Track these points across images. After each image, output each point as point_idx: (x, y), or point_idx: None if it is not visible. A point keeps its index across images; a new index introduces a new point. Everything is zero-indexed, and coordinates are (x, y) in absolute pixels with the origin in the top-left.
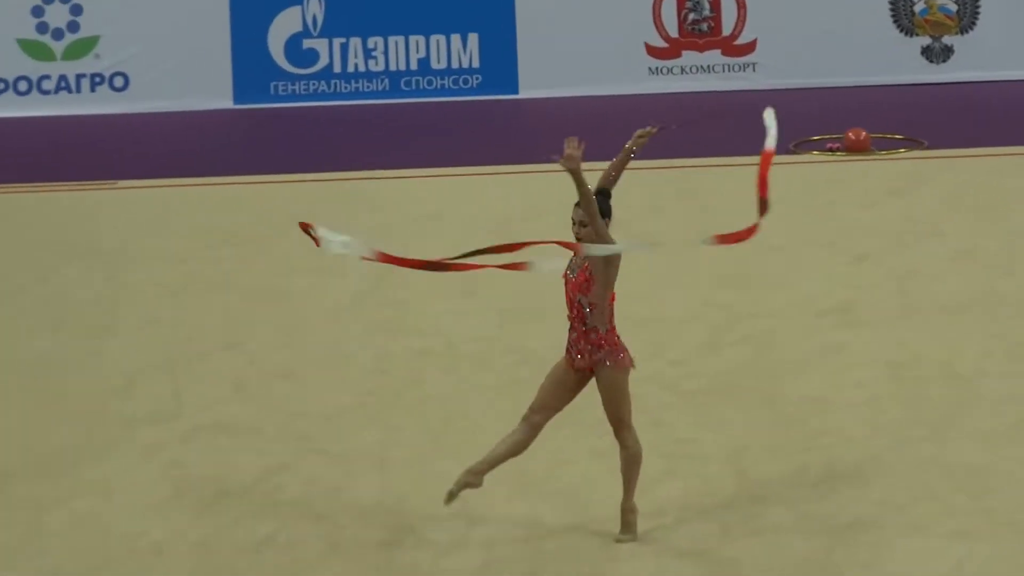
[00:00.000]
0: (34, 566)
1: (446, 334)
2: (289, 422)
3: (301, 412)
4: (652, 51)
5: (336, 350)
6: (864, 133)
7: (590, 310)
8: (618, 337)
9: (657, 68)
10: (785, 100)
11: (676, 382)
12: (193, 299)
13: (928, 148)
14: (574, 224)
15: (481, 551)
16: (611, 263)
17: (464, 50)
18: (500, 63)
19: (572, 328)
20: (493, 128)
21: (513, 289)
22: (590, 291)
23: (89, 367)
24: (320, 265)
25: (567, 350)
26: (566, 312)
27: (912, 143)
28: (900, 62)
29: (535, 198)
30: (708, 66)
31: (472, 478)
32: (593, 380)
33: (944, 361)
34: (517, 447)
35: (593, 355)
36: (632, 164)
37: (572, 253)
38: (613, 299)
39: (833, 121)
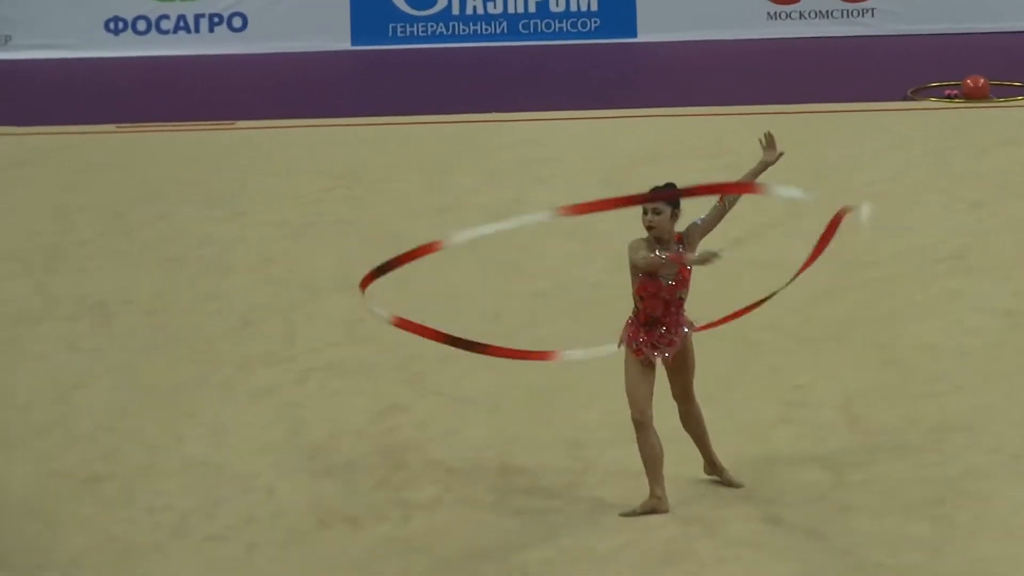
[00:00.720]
0: (148, 503)
1: (561, 277)
2: (403, 364)
3: (415, 354)
4: None
5: (451, 292)
6: (983, 80)
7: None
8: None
9: (776, 13)
10: (903, 46)
11: (794, 329)
12: (310, 240)
13: None
14: (646, 213)
15: (591, 496)
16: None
17: None
18: (619, 6)
19: (661, 323)
20: (611, 72)
21: (621, 234)
22: (687, 285)
23: (205, 306)
24: (438, 205)
25: (644, 348)
26: (650, 314)
27: None
28: (1020, 8)
29: (650, 143)
30: (827, 11)
31: (656, 503)
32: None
33: None
34: (660, 450)
35: (679, 336)
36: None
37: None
38: (643, 290)
39: (951, 68)
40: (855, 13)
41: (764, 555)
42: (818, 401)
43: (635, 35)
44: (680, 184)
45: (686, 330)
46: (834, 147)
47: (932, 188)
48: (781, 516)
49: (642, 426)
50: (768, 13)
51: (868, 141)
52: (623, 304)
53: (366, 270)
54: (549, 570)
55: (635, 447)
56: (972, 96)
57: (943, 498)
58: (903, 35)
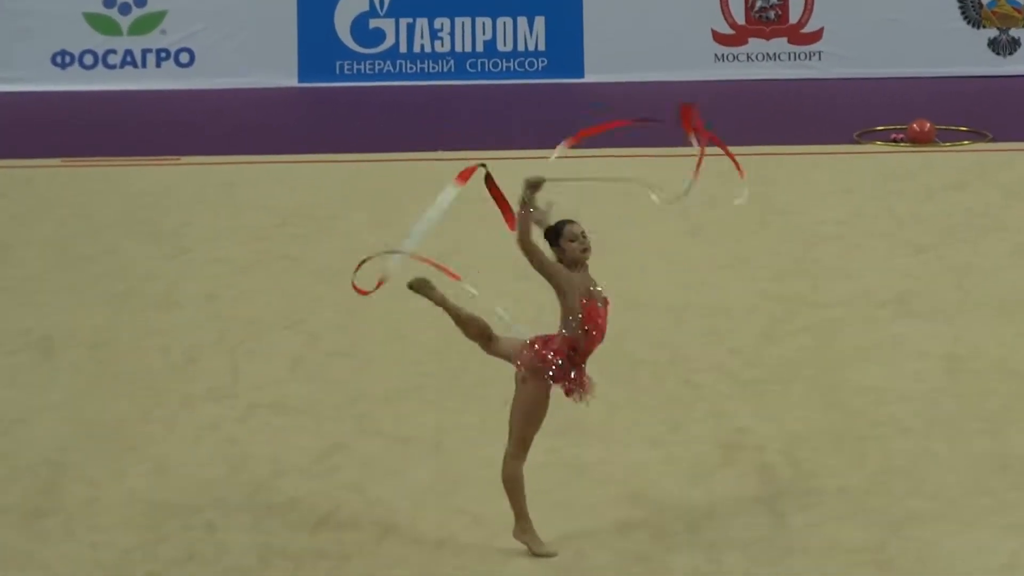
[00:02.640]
0: (90, 539)
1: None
2: (347, 403)
3: (360, 393)
4: (718, 37)
5: (396, 331)
6: (929, 124)
7: None
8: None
9: (722, 55)
10: (850, 89)
11: (737, 371)
12: (255, 277)
13: (993, 140)
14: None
15: (539, 529)
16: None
17: (530, 33)
18: (566, 46)
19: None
20: (558, 111)
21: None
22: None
23: (150, 342)
24: (385, 243)
25: (574, 387)
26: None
27: (977, 135)
28: (967, 54)
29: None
30: (774, 54)
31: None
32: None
33: (1001, 356)
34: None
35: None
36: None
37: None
38: (589, 319)
39: (898, 112)
40: (802, 56)
41: None
42: (760, 443)
43: (582, 75)
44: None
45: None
46: (781, 190)
47: (877, 232)
48: (723, 559)
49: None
50: (715, 55)
51: (814, 184)
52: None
53: (312, 308)
54: None
55: (580, 488)
56: (918, 140)
57: (885, 541)
58: (850, 78)
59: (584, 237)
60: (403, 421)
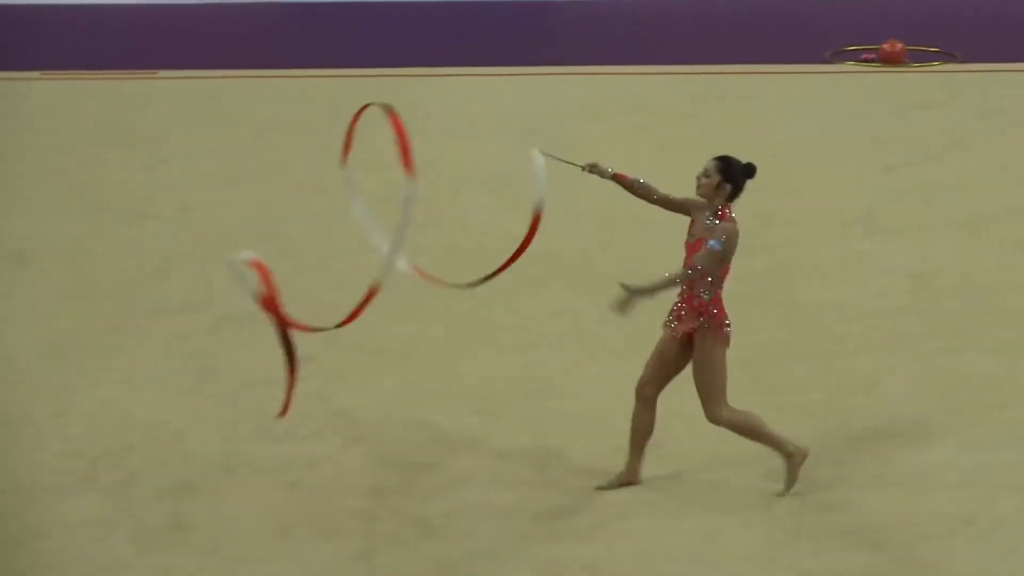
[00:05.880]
0: (58, 447)
1: (477, 230)
2: (318, 313)
3: (331, 303)
4: None
5: (364, 244)
6: (900, 45)
7: (700, 277)
8: (722, 311)
9: None
10: (822, 9)
11: None
12: (231, 189)
13: (963, 61)
14: (700, 176)
15: (495, 449)
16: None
17: None
18: None
19: (679, 293)
20: (532, 29)
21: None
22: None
23: (124, 253)
24: (360, 158)
25: (667, 318)
26: None
27: (947, 56)
28: None
29: (571, 100)
30: None
31: (631, 476)
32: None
33: (965, 273)
34: (647, 427)
35: (691, 321)
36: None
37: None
38: (726, 272)
39: (870, 32)
40: None
41: (666, 509)
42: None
43: None
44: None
45: (700, 324)
46: (752, 108)
47: (847, 150)
48: (681, 472)
49: (637, 398)
50: None
51: (786, 103)
52: (536, 259)
53: (285, 221)
54: (449, 523)
55: (542, 402)
56: (889, 61)
57: (843, 458)
58: None
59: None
60: (371, 334)
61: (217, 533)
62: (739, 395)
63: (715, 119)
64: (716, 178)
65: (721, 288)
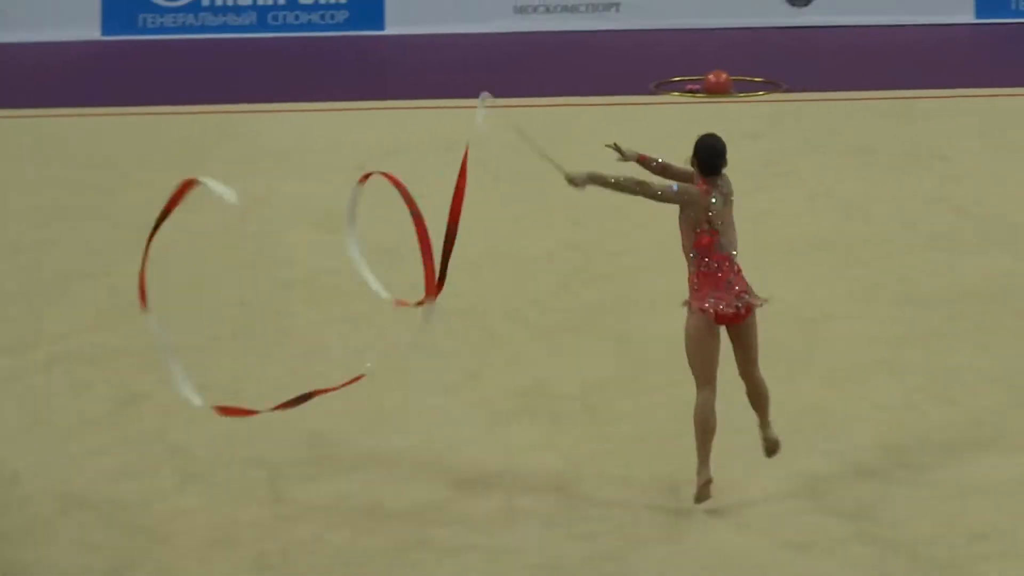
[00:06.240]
0: None
1: (306, 265)
2: (148, 352)
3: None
4: None
5: (197, 284)
6: (725, 75)
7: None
8: (698, 283)
9: (522, 7)
10: (647, 41)
11: (533, 320)
12: (59, 227)
13: (787, 91)
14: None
15: (329, 488)
16: (686, 205)
17: None
18: None
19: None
20: (358, 64)
21: (374, 226)
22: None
23: None
24: (188, 197)
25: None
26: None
27: (772, 86)
28: (763, 6)
29: (394, 134)
30: (573, 6)
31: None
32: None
33: (793, 303)
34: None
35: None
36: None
37: None
38: (701, 242)
39: (695, 63)
40: (601, 8)
41: (500, 542)
42: (557, 391)
43: (383, 28)
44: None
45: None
46: (579, 141)
47: None
48: (519, 505)
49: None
50: (515, 7)
51: (612, 134)
52: (366, 294)
53: (116, 259)
54: (286, 561)
55: (379, 435)
56: (714, 91)
57: (678, 484)
58: (648, 30)
59: None
60: (203, 371)
61: None
62: (572, 424)
63: (546, 151)
64: (691, 157)
65: (700, 263)
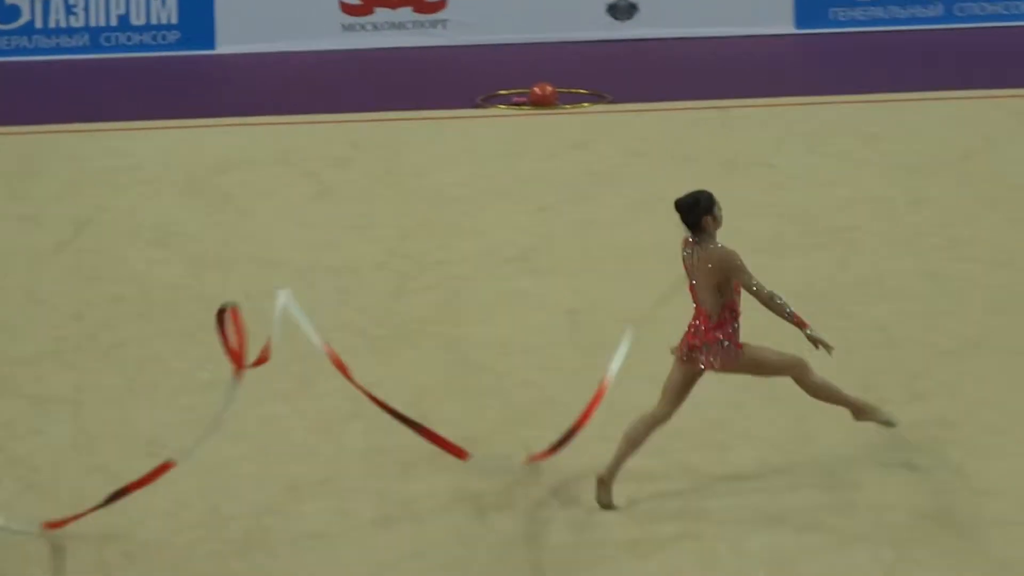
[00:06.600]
0: None
1: (140, 281)
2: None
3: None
4: (346, 8)
5: (34, 295)
6: (550, 88)
7: None
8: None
9: (350, 24)
10: (474, 56)
11: (364, 328)
12: None
13: (612, 102)
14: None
15: (167, 491)
16: None
17: (163, 5)
18: (198, 18)
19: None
20: (189, 83)
21: (204, 238)
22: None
23: None
24: (20, 213)
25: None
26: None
27: (596, 97)
28: (587, 19)
29: (227, 152)
30: (399, 23)
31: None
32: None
33: (619, 309)
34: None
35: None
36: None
37: None
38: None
39: (521, 76)
40: (427, 24)
41: (337, 542)
42: (389, 398)
43: (213, 47)
44: None
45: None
46: (407, 154)
47: (501, 191)
48: (350, 509)
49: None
50: (343, 24)
51: (440, 147)
52: (201, 306)
53: None
54: (130, 564)
55: (214, 443)
56: (540, 103)
57: (509, 490)
58: (474, 45)
59: None
60: (42, 383)
61: None
62: (402, 433)
63: (373, 165)
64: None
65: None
